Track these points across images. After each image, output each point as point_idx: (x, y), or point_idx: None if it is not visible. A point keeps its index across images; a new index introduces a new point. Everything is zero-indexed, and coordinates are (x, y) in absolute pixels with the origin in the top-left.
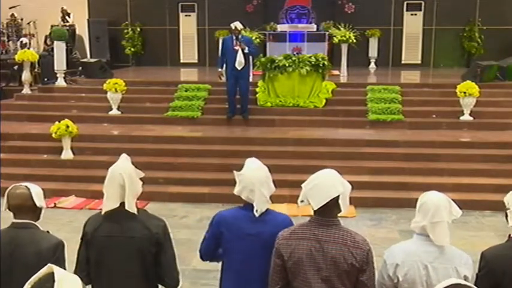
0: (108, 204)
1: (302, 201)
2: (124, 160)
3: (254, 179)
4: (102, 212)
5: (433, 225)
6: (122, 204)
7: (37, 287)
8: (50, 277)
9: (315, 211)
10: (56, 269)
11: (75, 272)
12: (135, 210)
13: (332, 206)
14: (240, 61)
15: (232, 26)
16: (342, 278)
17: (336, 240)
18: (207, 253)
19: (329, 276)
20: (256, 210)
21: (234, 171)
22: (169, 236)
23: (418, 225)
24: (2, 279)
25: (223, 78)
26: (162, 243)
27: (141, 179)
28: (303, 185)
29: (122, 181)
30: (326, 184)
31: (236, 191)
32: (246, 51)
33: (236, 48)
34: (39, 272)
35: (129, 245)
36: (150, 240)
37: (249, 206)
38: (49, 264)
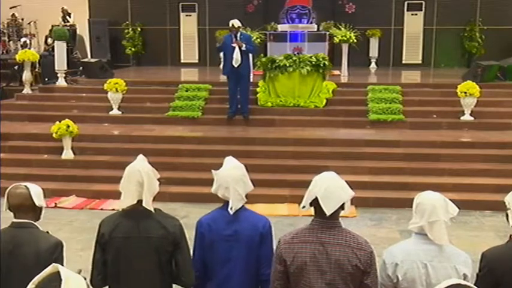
0: (126, 201)
1: (304, 206)
2: (142, 159)
3: (229, 178)
4: (120, 209)
5: (430, 225)
6: (139, 202)
7: (42, 286)
8: (56, 276)
9: (316, 213)
10: (61, 268)
11: (92, 275)
12: (151, 208)
13: (337, 208)
14: (236, 58)
15: (231, 23)
16: (346, 281)
17: (340, 242)
18: (197, 261)
19: (333, 280)
20: (231, 208)
21: (212, 170)
22: (185, 236)
23: (415, 226)
24: (1, 279)
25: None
26: (179, 242)
27: (159, 180)
28: (308, 191)
29: (141, 178)
30: (336, 187)
31: (213, 189)
32: (244, 48)
33: (233, 45)
34: (43, 272)
35: (146, 245)
36: (168, 239)
37: (225, 206)
38: (53, 264)
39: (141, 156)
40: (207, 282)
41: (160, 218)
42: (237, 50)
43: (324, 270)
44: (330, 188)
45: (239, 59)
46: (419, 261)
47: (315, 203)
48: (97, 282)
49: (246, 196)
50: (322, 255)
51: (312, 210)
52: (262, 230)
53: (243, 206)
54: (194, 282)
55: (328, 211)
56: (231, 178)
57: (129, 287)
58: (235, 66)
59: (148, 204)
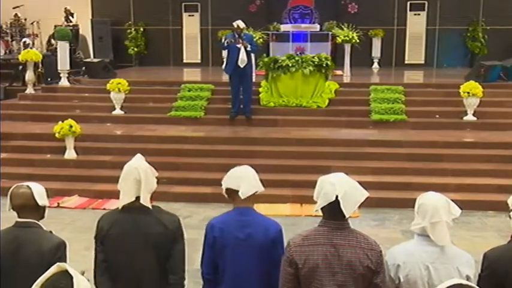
0: (125, 199)
1: (317, 210)
2: (139, 158)
3: (242, 169)
4: (119, 207)
5: (432, 226)
6: (137, 199)
7: (49, 285)
8: (64, 275)
9: (326, 215)
10: (69, 267)
11: (95, 277)
12: (149, 205)
13: None
14: (242, 58)
15: (235, 24)
16: (357, 282)
17: (351, 243)
18: (207, 264)
19: (345, 281)
20: (242, 193)
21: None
22: (183, 232)
23: (417, 227)
24: (4, 278)
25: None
26: (177, 238)
27: (157, 178)
28: (324, 194)
29: (138, 175)
30: (355, 189)
31: (223, 185)
32: (249, 48)
33: (238, 46)
34: (47, 272)
35: (144, 241)
36: (167, 236)
37: (236, 210)
38: (58, 263)
39: (138, 155)
40: (218, 285)
41: (158, 215)
42: (242, 50)
43: (336, 272)
44: (350, 190)
45: (245, 59)
46: (421, 262)
47: (328, 205)
48: (103, 285)
49: (256, 194)
50: (334, 257)
51: (313, 211)
52: (274, 234)
53: (254, 210)
54: (183, 280)
55: (348, 213)
56: (243, 173)
57: (128, 283)
58: (242, 66)
59: (146, 201)
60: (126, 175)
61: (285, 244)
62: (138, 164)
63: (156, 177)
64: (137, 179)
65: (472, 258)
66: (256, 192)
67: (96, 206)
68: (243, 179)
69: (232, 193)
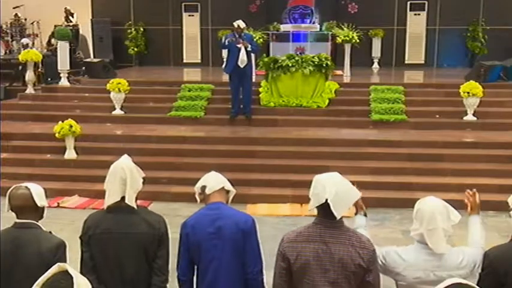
0: (110, 198)
1: (310, 209)
2: (126, 158)
3: (209, 174)
4: (105, 207)
5: (429, 233)
6: (123, 198)
7: (49, 285)
8: (65, 275)
9: (320, 213)
10: (69, 267)
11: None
12: (134, 205)
13: None
14: (242, 59)
15: (235, 24)
16: (349, 279)
17: (343, 241)
18: (183, 264)
19: (336, 279)
20: (209, 189)
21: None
22: (168, 232)
23: (416, 233)
24: (3, 279)
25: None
26: (163, 239)
27: (143, 178)
28: (315, 195)
29: (124, 175)
30: (346, 190)
31: (195, 190)
32: (249, 49)
33: (239, 46)
34: (47, 273)
35: (130, 241)
36: (153, 236)
37: (209, 206)
38: (58, 264)
39: (125, 155)
40: (198, 283)
41: (144, 215)
42: (242, 50)
43: (327, 269)
44: (341, 192)
45: (245, 59)
46: (420, 270)
47: (320, 205)
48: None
49: (228, 191)
50: (325, 254)
51: (314, 210)
52: (243, 226)
53: (225, 204)
54: (166, 282)
55: (339, 215)
56: (214, 172)
57: (114, 283)
58: (241, 66)
59: (131, 201)
60: (112, 174)
61: (280, 240)
62: (124, 164)
63: (143, 178)
64: (123, 178)
65: (471, 259)
66: (224, 189)
67: (96, 206)
68: (210, 177)
69: (203, 193)
